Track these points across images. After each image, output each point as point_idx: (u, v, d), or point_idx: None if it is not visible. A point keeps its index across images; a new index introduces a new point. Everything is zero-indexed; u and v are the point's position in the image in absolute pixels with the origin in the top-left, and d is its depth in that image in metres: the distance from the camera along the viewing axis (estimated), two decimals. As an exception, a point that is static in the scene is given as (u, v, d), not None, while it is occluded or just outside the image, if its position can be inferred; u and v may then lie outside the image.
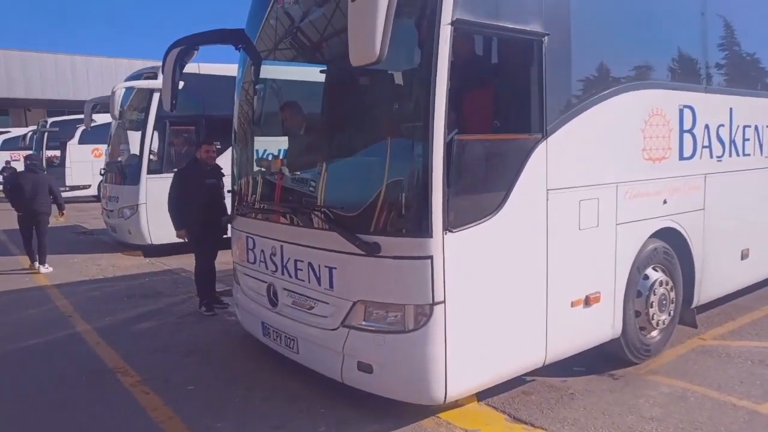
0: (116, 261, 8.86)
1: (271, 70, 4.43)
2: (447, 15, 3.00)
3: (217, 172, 5.78)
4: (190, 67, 8.98)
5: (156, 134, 8.89)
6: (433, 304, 3.08)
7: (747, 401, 3.64)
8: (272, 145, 4.45)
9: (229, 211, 4.91)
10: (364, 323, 3.31)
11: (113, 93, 8.66)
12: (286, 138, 4.39)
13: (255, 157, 4.49)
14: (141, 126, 9.00)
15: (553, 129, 3.55)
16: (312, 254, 3.56)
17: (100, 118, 12.64)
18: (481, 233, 3.22)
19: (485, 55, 3.41)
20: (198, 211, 5.48)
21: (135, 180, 8.84)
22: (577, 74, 3.75)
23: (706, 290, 4.94)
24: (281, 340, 3.95)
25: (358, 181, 3.41)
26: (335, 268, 3.40)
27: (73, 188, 17.26)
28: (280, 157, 4.09)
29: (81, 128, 16.17)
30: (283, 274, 3.84)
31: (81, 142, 17.46)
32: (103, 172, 10.76)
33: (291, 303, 3.78)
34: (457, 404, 3.53)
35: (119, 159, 10.14)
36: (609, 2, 4.02)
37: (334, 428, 3.41)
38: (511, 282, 3.45)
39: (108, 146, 10.73)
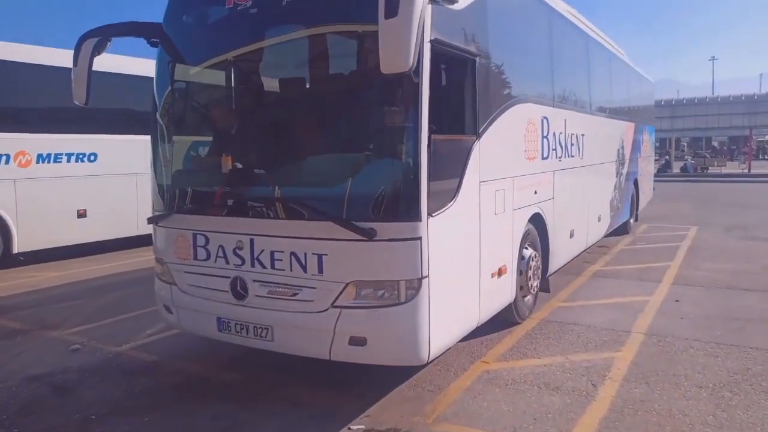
0: None
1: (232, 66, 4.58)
2: (428, 34, 3.70)
3: None
4: None
5: None
6: (421, 278, 3.76)
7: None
8: (231, 142, 4.59)
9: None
10: (356, 301, 3.80)
11: None
12: (241, 134, 4.58)
13: (203, 154, 4.59)
14: None
15: (483, 132, 4.55)
16: (294, 244, 3.92)
17: None
18: (446, 217, 4.02)
19: (445, 68, 4.17)
20: None
21: None
22: (493, 88, 4.81)
23: (554, 262, 6.51)
24: (248, 332, 4.16)
25: (350, 176, 3.89)
26: (325, 255, 3.83)
27: None
28: (245, 153, 4.29)
29: None
30: (254, 266, 4.08)
31: None
32: None
33: (266, 293, 4.05)
34: None
35: None
36: (508, 38, 5.27)
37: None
38: (462, 257, 4.33)
39: None
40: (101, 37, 4.43)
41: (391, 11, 3.08)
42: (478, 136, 4.49)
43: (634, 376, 4.52)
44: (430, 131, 3.75)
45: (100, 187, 10.51)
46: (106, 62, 4.61)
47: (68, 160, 10.12)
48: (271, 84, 4.47)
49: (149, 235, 11.98)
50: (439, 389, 4.37)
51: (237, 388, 4.50)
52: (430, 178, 3.76)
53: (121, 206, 10.82)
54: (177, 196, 4.58)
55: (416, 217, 3.72)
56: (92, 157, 10.49)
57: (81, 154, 10.33)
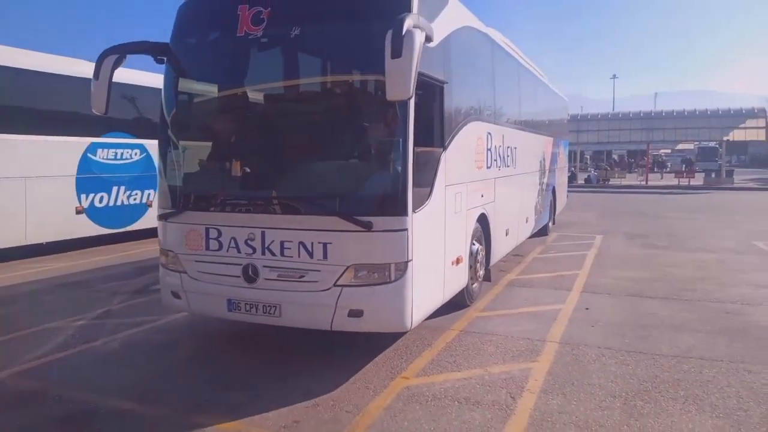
0: None
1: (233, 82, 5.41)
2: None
3: None
4: None
5: None
6: (407, 261, 4.81)
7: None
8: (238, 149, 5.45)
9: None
10: (354, 281, 4.77)
11: None
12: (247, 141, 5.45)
13: (213, 160, 5.36)
14: None
15: (448, 144, 5.75)
16: (302, 235, 4.85)
17: None
18: (424, 213, 5.15)
19: (423, 94, 5.23)
20: None
21: None
22: (455, 108, 5.99)
23: (494, 256, 7.83)
24: (257, 310, 5.05)
25: (351, 180, 4.95)
26: (330, 243, 4.80)
27: None
28: (261, 160, 5.20)
29: None
30: (264, 254, 4.98)
31: None
32: None
33: (275, 276, 4.95)
34: None
35: None
36: (464, 67, 6.42)
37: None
38: (433, 247, 5.47)
39: None
40: (120, 53, 5.14)
41: (396, 53, 4.13)
42: (445, 148, 5.64)
43: (550, 387, 4.77)
44: (414, 144, 4.79)
45: None
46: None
47: None
48: (281, 106, 5.42)
49: (39, 245, 11.13)
50: (358, 409, 4.41)
51: (130, 419, 4.28)
52: (414, 182, 4.80)
53: (6, 213, 10.05)
54: (189, 196, 5.34)
55: (404, 212, 4.79)
56: None
57: (-41, 155, 9.55)
